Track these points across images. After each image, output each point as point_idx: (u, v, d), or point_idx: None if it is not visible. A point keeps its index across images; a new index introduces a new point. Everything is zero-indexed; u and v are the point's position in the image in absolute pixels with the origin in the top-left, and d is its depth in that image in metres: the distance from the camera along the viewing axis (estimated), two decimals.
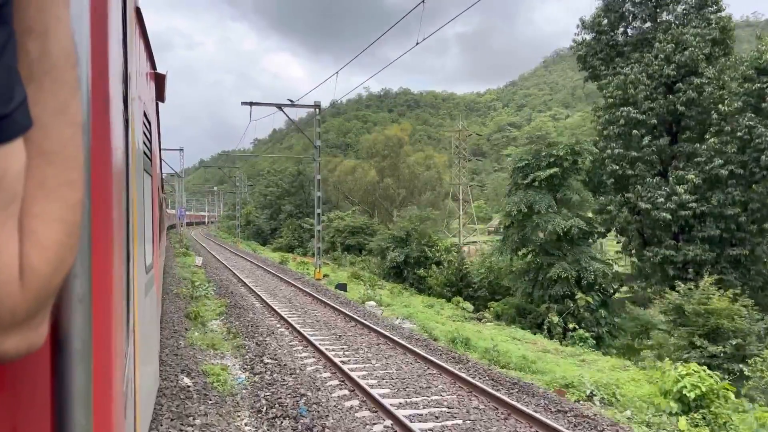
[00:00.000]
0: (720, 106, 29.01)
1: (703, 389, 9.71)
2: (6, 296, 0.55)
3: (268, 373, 10.18)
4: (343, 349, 12.47)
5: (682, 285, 19.93)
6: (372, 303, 20.10)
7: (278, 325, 15.02)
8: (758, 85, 27.76)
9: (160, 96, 5.31)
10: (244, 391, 9.16)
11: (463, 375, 10.18)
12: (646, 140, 31.13)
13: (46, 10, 0.60)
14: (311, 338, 12.90)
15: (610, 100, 32.45)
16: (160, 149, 8.29)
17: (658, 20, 33.54)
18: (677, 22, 32.19)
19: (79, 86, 0.66)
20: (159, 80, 5.03)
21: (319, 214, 28.49)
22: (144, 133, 3.60)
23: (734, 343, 16.69)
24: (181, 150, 49.85)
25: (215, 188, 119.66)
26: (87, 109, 0.80)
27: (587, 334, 20.56)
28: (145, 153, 3.61)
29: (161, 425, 7.15)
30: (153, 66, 4.68)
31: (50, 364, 0.79)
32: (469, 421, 8.09)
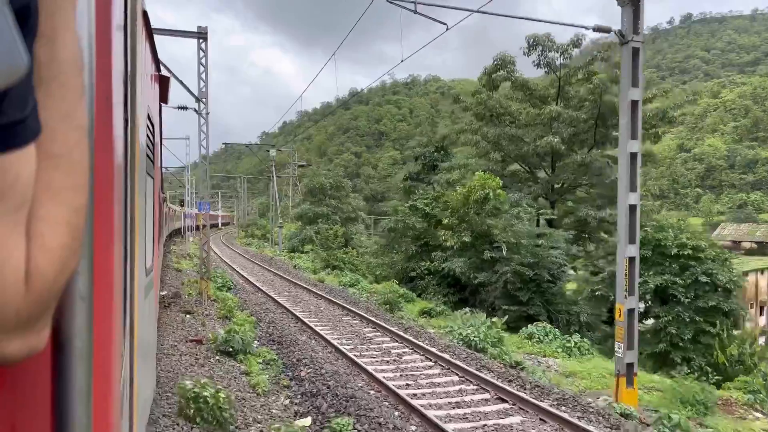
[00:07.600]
0: None
1: None
2: (12, 298, 0.55)
3: None
4: None
5: None
6: None
7: None
8: None
9: (163, 98, 5.34)
10: None
11: None
12: None
13: (55, 15, 0.61)
14: None
15: None
16: (161, 151, 8.30)
17: None
18: None
19: (84, 91, 0.67)
20: (163, 82, 5.06)
21: None
22: (147, 135, 3.61)
23: None
24: (187, 138, 41.98)
25: (242, 176, 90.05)
26: (91, 112, 0.81)
27: None
28: (147, 155, 3.62)
29: None
30: (158, 68, 4.71)
31: (51, 362, 0.79)
32: None
